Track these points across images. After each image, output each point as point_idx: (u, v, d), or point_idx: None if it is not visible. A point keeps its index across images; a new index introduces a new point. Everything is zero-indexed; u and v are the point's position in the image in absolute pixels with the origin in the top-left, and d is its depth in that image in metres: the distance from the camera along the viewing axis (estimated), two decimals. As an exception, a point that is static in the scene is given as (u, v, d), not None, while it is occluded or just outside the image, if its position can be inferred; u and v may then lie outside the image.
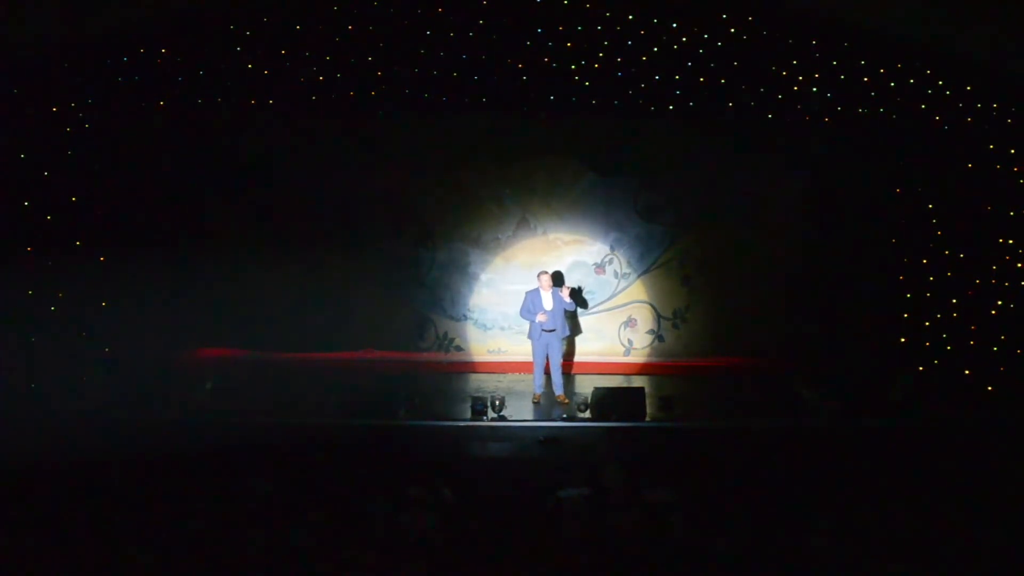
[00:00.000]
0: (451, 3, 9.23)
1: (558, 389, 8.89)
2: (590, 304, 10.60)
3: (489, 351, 10.67)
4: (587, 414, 8.10)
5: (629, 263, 10.58)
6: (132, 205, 10.13)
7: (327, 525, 4.66)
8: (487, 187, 10.55)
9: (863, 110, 9.64)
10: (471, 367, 10.58)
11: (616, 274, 10.61)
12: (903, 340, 9.71)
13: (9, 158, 9.25)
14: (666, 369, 10.39)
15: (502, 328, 10.61)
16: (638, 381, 9.83)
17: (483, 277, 10.65)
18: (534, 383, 8.99)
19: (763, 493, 5.35)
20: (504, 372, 10.43)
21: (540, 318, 8.67)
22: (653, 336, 10.62)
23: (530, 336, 8.91)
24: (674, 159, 10.34)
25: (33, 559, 4.31)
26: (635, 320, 10.62)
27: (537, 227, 10.61)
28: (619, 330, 10.64)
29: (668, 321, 10.60)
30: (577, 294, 10.20)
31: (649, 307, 10.61)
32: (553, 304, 8.76)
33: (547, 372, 8.97)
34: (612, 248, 10.58)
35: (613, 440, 7.63)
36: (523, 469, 6.78)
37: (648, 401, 8.11)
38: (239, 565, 4.30)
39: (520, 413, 8.32)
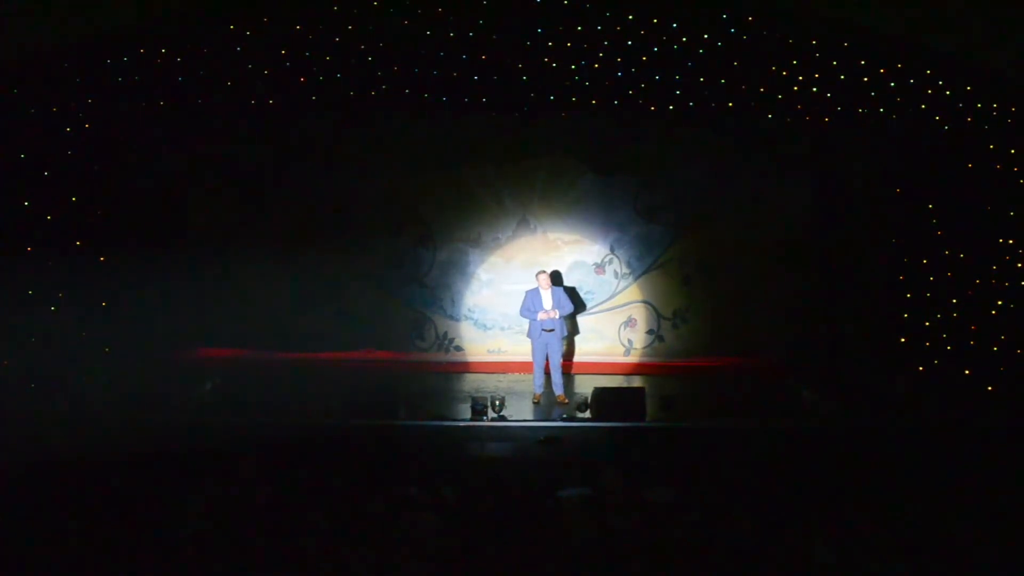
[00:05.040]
0: (451, 3, 9.23)
1: (558, 389, 8.89)
2: (590, 304, 10.60)
3: (489, 351, 10.67)
4: (587, 414, 8.10)
5: (629, 263, 10.58)
6: (132, 205, 10.14)
7: (327, 525, 4.66)
8: (487, 187, 10.55)
9: (863, 110, 9.65)
10: (471, 367, 10.58)
11: (616, 274, 10.61)
12: (903, 340, 9.71)
13: (9, 158, 9.25)
14: (666, 369, 10.39)
15: (502, 328, 10.61)
16: (638, 381, 9.84)
17: (483, 277, 10.65)
18: (534, 383, 8.99)
19: (763, 493, 5.35)
20: (504, 372, 10.44)
21: (541, 316, 8.67)
22: (653, 336, 10.62)
23: (530, 336, 8.92)
24: (674, 159, 10.35)
25: (33, 559, 4.31)
26: (635, 320, 10.62)
27: (537, 227, 10.61)
28: (619, 330, 10.63)
29: (668, 321, 10.60)
30: (572, 293, 10.23)
31: (649, 307, 10.61)
32: (553, 303, 8.77)
33: (547, 372, 8.97)
34: (612, 248, 10.58)
35: (613, 440, 7.63)
36: (523, 469, 6.76)
37: (648, 401, 8.10)
38: (239, 565, 4.30)
39: (520, 413, 8.32)
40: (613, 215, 10.53)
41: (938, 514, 4.82)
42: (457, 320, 10.71)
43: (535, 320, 8.76)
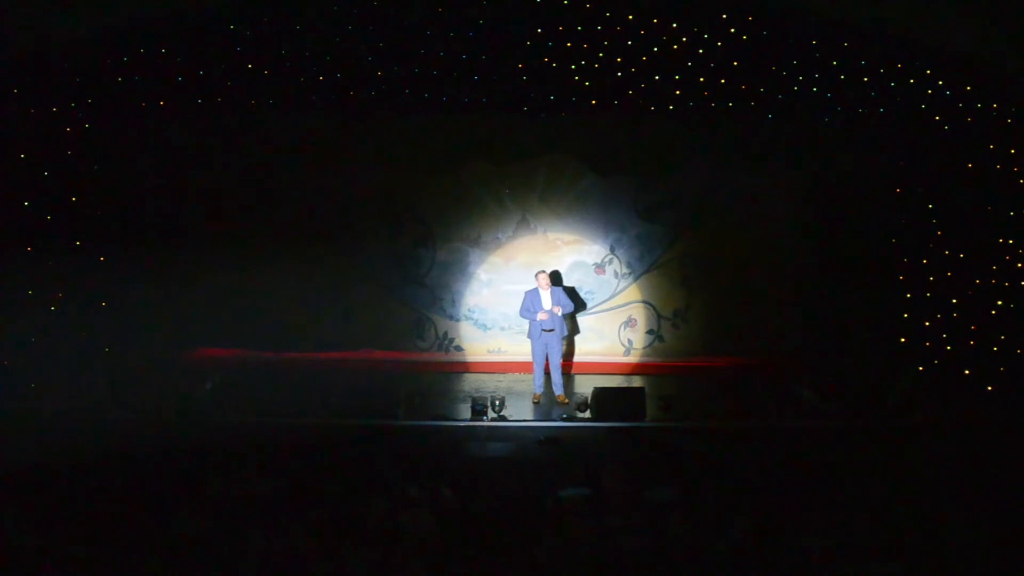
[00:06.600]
0: (451, 3, 9.23)
1: (558, 389, 8.89)
2: (590, 304, 10.60)
3: (489, 351, 10.67)
4: (587, 414, 8.11)
5: (629, 263, 10.58)
6: (132, 205, 10.14)
7: (327, 525, 4.66)
8: (487, 187, 10.55)
9: (863, 110, 9.65)
10: (471, 367, 10.58)
11: (616, 274, 10.61)
12: (903, 340, 9.71)
13: (9, 158, 9.26)
14: (666, 369, 10.38)
15: (502, 328, 10.61)
16: (638, 381, 9.84)
17: (483, 277, 10.65)
18: (534, 383, 9.00)
19: (763, 493, 5.35)
20: (504, 372, 10.43)
21: (541, 316, 8.68)
22: (653, 336, 10.62)
23: (529, 336, 8.93)
24: (674, 159, 10.34)
25: (33, 559, 4.31)
26: (635, 320, 10.62)
27: (537, 227, 10.61)
28: (619, 330, 10.63)
29: (668, 321, 10.60)
30: (572, 293, 10.25)
31: (649, 307, 10.61)
32: (552, 303, 8.77)
33: (547, 372, 8.97)
34: (612, 248, 10.58)
35: (613, 440, 7.63)
36: (523, 469, 6.78)
37: (648, 401, 8.10)
38: (239, 565, 4.30)
39: (520, 413, 8.33)
40: (613, 215, 10.52)
41: (936, 514, 4.82)
42: (457, 320, 10.70)
43: (535, 320, 8.76)
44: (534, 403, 8.86)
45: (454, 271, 10.66)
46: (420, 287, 10.68)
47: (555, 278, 10.15)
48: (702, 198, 10.37)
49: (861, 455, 6.90)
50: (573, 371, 10.36)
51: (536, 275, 8.90)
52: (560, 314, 8.76)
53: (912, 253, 9.73)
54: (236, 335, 10.42)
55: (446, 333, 10.71)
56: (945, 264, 9.48)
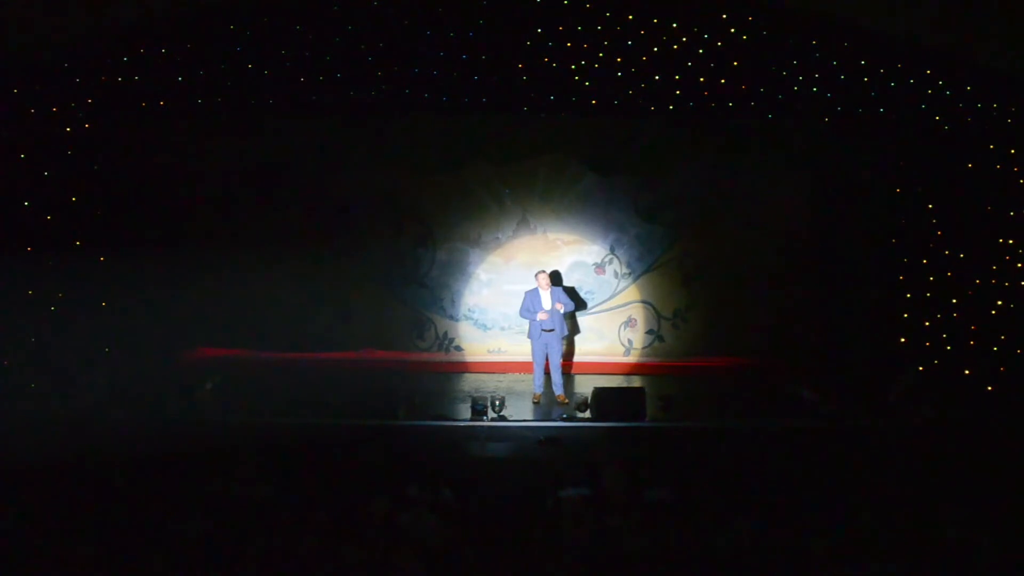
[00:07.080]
0: (451, 3, 9.23)
1: (558, 389, 8.89)
2: (590, 304, 10.60)
3: (489, 351, 10.67)
4: (587, 414, 8.11)
5: (629, 263, 10.58)
6: (132, 205, 10.14)
7: (327, 525, 4.66)
8: (487, 187, 10.55)
9: (863, 110, 9.65)
10: (471, 367, 10.58)
11: (616, 274, 10.61)
12: (903, 340, 9.71)
13: (9, 158, 9.26)
14: (666, 369, 10.38)
15: (502, 328, 10.61)
16: (638, 381, 9.84)
17: (483, 277, 10.65)
18: (534, 383, 9.00)
19: (763, 493, 5.35)
20: (504, 372, 10.43)
21: (541, 316, 8.68)
22: (653, 336, 10.62)
23: (529, 336, 8.93)
24: (674, 159, 10.34)
25: (33, 559, 4.31)
26: (635, 320, 10.62)
27: (537, 227, 10.61)
28: (619, 330, 10.63)
29: (668, 321, 10.60)
30: (572, 293, 10.25)
31: (649, 307, 10.61)
32: (552, 303, 8.77)
33: (547, 372, 8.97)
34: (612, 248, 10.58)
35: (613, 440, 7.63)
36: (523, 469, 6.77)
37: (648, 401, 8.10)
38: (239, 566, 4.30)
39: (520, 413, 8.32)
40: (613, 215, 10.52)
41: (936, 514, 4.82)
42: (457, 320, 10.70)
43: (535, 320, 8.76)
44: (534, 403, 8.86)
45: (454, 271, 10.66)
46: (420, 287, 10.69)
47: (555, 278, 10.15)
48: (702, 198, 10.37)
49: (861, 455, 6.89)
50: (573, 371, 10.36)
51: (536, 275, 8.90)
52: (562, 312, 8.76)
53: (912, 253, 9.73)
54: (236, 335, 10.42)
55: (446, 333, 10.71)
56: (945, 264, 9.49)
